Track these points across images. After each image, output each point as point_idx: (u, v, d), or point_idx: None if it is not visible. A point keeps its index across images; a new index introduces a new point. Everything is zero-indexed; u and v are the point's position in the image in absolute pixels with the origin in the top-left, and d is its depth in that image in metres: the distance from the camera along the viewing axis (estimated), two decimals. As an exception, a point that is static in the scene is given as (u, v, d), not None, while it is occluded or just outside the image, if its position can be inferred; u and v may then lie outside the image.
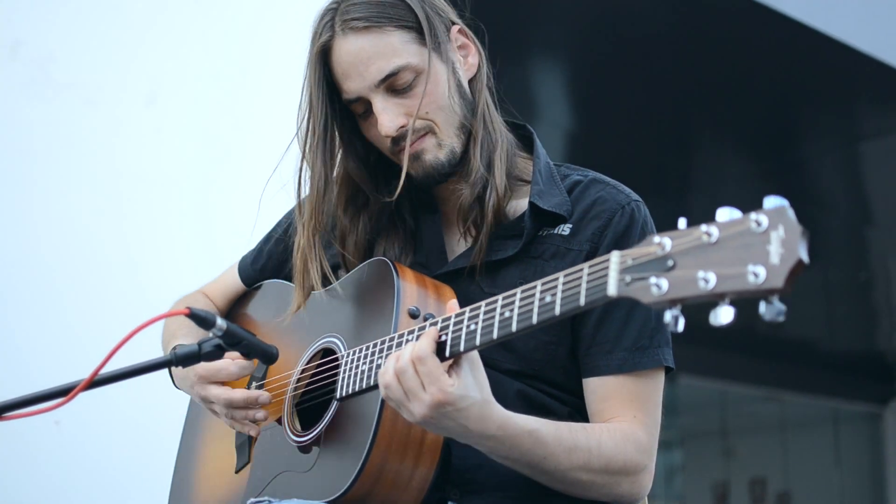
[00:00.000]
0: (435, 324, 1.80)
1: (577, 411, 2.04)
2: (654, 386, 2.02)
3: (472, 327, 1.73)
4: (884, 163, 8.53)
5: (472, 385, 1.76)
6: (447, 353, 1.77)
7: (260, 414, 2.08)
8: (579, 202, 2.09)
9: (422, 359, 1.75)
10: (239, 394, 2.08)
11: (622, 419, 1.98)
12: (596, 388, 2.01)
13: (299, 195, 2.16)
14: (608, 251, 1.55)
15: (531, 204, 2.06)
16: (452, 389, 1.74)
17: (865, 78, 6.98)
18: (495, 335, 1.69)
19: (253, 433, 2.12)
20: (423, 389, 1.75)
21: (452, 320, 1.78)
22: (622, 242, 2.00)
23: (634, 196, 2.10)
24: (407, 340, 1.85)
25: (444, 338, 1.77)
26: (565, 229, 2.06)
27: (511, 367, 2.02)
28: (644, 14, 6.21)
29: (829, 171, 8.79)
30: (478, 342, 1.72)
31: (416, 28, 2.05)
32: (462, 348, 1.75)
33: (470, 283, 2.07)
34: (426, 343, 1.76)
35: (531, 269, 2.04)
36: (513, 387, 2.02)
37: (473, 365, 1.78)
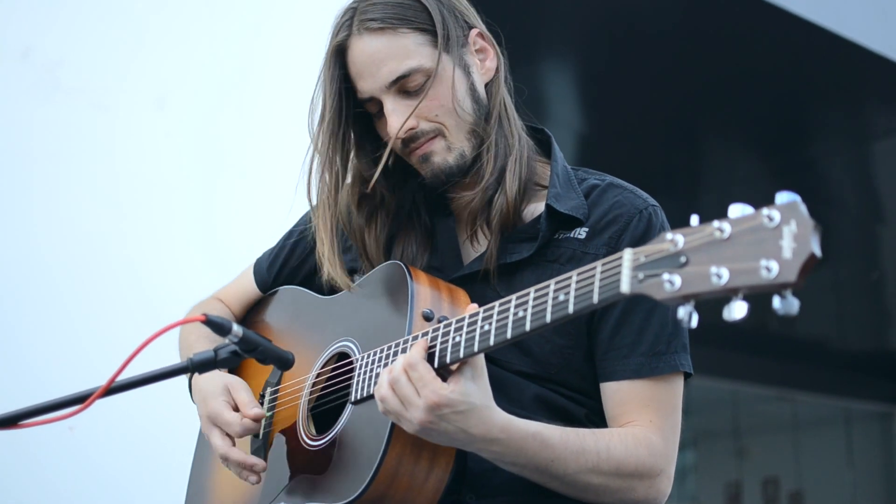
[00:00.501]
0: (449, 324, 1.81)
1: (595, 414, 2.04)
2: (671, 391, 2.01)
3: (486, 328, 1.73)
4: (895, 161, 8.50)
5: (472, 391, 1.77)
6: (448, 359, 1.78)
7: (253, 478, 2.10)
8: (596, 206, 2.08)
9: (413, 365, 1.77)
10: (235, 455, 2.10)
11: (638, 424, 1.97)
12: (613, 393, 2.01)
13: (309, 192, 2.16)
14: None
15: (548, 206, 2.06)
16: (446, 392, 1.75)
17: (876, 77, 6.96)
18: (509, 335, 1.70)
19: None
20: (416, 395, 1.77)
21: (466, 321, 1.78)
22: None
23: (652, 201, 2.10)
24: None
25: (434, 347, 1.79)
26: (581, 233, 2.06)
27: (527, 371, 2.02)
28: (653, 14, 6.20)
29: (839, 169, 8.76)
30: (491, 342, 1.72)
31: (431, 31, 2.06)
32: (462, 354, 1.76)
33: (486, 286, 2.07)
34: (416, 351, 1.79)
35: (547, 272, 2.02)
36: (530, 390, 2.02)
37: (476, 372, 1.79)
